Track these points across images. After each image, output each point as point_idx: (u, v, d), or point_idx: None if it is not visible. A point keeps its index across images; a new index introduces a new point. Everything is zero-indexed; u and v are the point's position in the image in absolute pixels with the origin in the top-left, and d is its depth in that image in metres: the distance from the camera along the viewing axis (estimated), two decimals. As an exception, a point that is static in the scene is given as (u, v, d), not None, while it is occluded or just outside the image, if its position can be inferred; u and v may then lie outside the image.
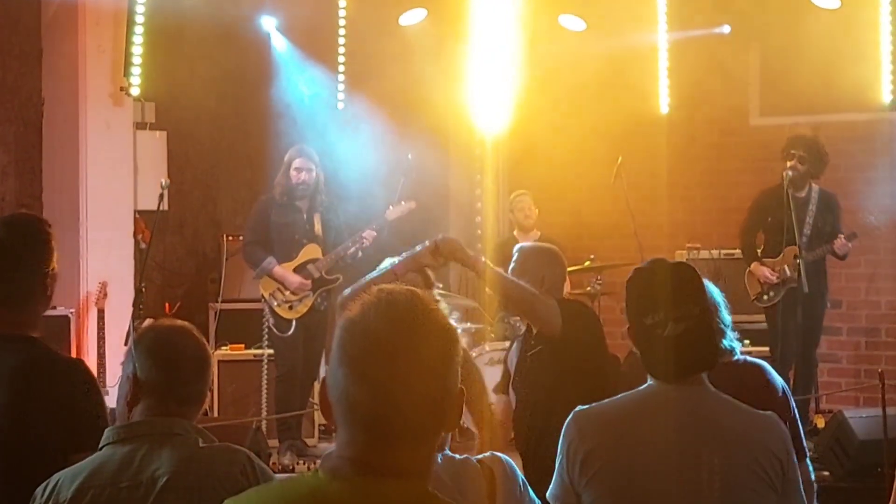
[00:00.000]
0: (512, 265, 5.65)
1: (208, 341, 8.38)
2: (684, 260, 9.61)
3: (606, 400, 3.41)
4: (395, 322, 1.99)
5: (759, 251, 8.77)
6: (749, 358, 4.73)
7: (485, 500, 3.30)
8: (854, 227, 8.70)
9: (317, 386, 9.26)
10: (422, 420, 2.00)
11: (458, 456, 3.39)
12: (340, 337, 2.01)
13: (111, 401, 8.86)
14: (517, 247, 5.88)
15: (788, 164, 8.49)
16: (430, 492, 2.01)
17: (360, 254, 8.61)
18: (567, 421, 3.37)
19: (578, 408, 3.40)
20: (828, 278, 8.72)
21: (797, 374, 8.51)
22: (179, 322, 3.25)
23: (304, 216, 8.62)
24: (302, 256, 8.55)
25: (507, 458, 3.51)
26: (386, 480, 1.96)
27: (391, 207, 8.78)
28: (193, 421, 3.10)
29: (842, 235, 8.43)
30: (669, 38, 10.32)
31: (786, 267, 8.49)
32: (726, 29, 10.35)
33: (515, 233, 9.92)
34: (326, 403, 2.03)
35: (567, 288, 9.66)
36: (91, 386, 3.53)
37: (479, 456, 3.46)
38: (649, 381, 3.35)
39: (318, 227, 8.66)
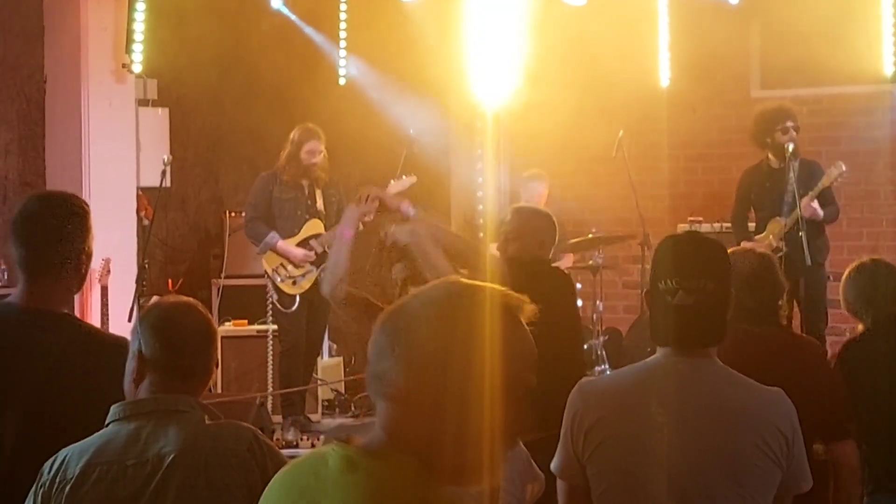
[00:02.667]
0: (506, 227, 5.62)
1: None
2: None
3: (612, 371, 3.44)
4: None
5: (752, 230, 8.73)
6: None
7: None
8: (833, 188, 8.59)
9: (320, 361, 9.30)
10: None
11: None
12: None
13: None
14: (513, 207, 5.81)
15: (784, 136, 8.35)
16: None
17: (361, 227, 8.61)
18: (572, 392, 3.39)
19: (584, 379, 3.43)
20: (821, 248, 8.60)
21: None
22: (185, 298, 3.26)
23: (306, 192, 8.62)
24: (304, 232, 8.57)
25: None
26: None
27: (392, 182, 8.78)
28: (199, 396, 3.12)
29: (808, 194, 8.22)
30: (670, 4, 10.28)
31: (770, 238, 8.46)
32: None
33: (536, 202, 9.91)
34: None
35: (570, 261, 9.75)
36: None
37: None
38: (657, 353, 3.36)
39: (320, 203, 8.66)
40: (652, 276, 3.37)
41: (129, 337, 3.21)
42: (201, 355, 3.13)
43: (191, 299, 3.23)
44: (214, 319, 9.48)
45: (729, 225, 9.45)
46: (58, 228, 3.54)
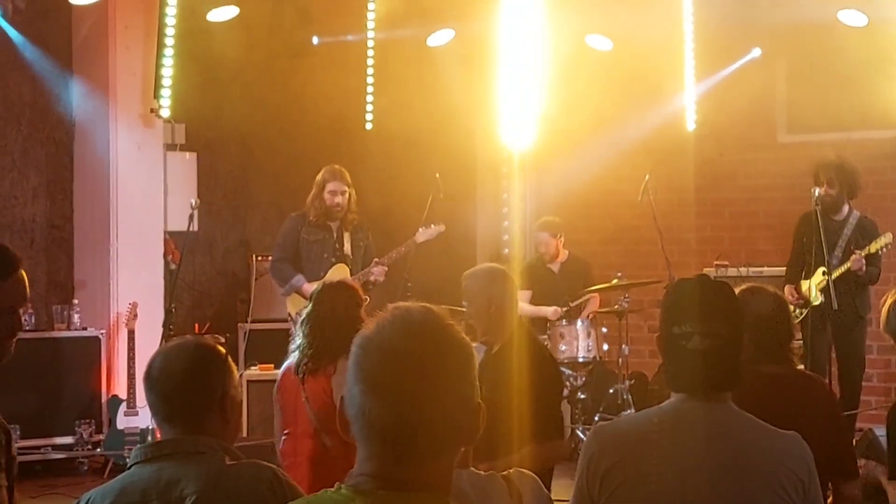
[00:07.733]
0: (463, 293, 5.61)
1: (237, 362, 8.36)
2: (712, 277, 9.64)
3: (628, 415, 3.44)
4: (411, 337, 2.00)
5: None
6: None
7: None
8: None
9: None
10: (441, 434, 2.01)
11: (482, 472, 3.39)
12: (356, 354, 2.03)
13: (142, 421, 8.87)
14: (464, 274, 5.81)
15: (819, 189, 8.48)
16: None
17: (382, 278, 8.62)
18: (588, 436, 3.39)
19: (599, 423, 3.41)
20: (867, 299, 8.61)
21: (842, 393, 8.46)
22: (181, 339, 3.30)
23: (334, 235, 8.60)
24: (330, 276, 8.51)
25: (533, 474, 3.51)
26: (409, 494, 1.98)
27: (421, 230, 8.74)
28: (224, 435, 3.11)
29: (858, 252, 8.38)
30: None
31: (813, 286, 8.50)
32: (756, 52, 10.38)
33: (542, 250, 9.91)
34: (344, 420, 2.04)
35: (596, 305, 9.73)
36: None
37: (504, 472, 3.47)
38: (672, 397, 3.35)
39: (347, 247, 8.62)
40: (664, 320, 3.35)
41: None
42: (182, 395, 3.10)
43: (187, 338, 3.26)
44: (240, 364, 9.41)
45: (757, 269, 9.49)
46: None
